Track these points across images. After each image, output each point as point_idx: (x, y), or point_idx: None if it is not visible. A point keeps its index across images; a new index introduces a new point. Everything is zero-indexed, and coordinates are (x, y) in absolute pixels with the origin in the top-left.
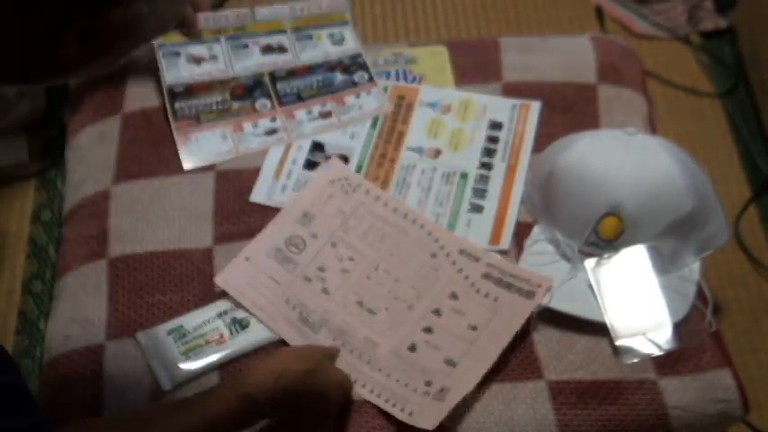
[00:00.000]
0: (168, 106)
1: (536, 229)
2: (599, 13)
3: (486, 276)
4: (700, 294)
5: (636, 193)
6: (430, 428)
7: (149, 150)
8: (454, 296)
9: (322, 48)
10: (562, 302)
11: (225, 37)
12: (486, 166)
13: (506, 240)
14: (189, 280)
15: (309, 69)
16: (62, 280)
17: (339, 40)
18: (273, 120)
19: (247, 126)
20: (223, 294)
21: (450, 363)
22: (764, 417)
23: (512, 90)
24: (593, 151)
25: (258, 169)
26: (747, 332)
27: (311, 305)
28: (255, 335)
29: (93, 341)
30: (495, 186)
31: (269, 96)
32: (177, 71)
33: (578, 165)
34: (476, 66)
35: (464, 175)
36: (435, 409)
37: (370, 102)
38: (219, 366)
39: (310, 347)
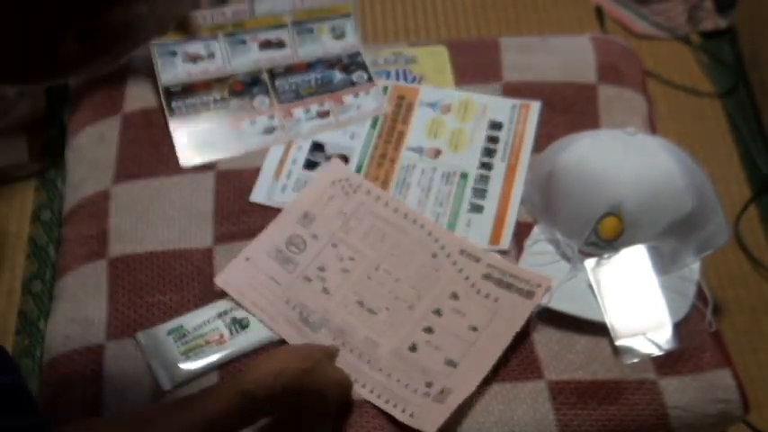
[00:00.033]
0: (165, 105)
1: (536, 229)
2: (599, 13)
3: (487, 277)
4: (700, 294)
5: (636, 193)
6: (431, 431)
7: (149, 150)
8: (455, 296)
9: (322, 42)
10: (562, 302)
11: (223, 34)
12: (486, 166)
13: (506, 240)
14: (189, 280)
15: (308, 66)
16: (62, 280)
17: (340, 35)
18: (271, 117)
19: (245, 124)
20: (223, 294)
21: (451, 363)
22: (764, 417)
23: (512, 90)
24: (593, 151)
25: (258, 169)
26: (747, 332)
27: (311, 305)
28: (255, 335)
29: (93, 341)
30: (495, 186)
31: (267, 93)
32: (174, 70)
33: (578, 165)
34: (476, 66)
35: (464, 175)
36: (436, 411)
37: (368, 102)
38: (219, 366)
39: (309, 346)
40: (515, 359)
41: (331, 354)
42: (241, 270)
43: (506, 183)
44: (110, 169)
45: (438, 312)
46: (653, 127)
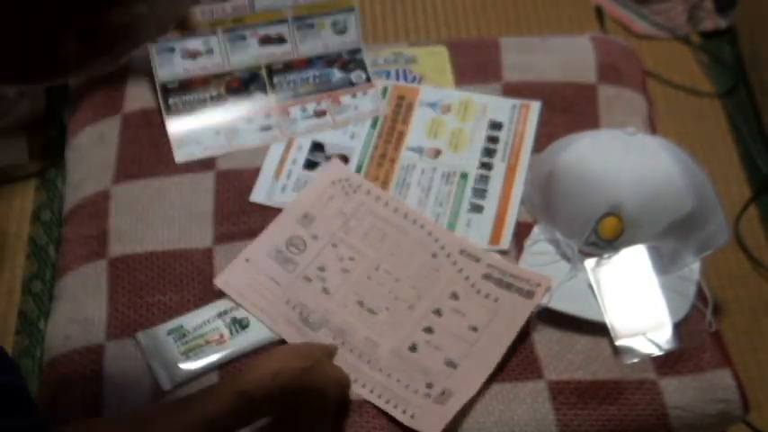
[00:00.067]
0: (161, 102)
1: (536, 229)
2: (599, 13)
3: (487, 277)
4: (700, 294)
5: (636, 193)
6: None
7: (149, 150)
8: (455, 296)
9: (323, 38)
10: (562, 302)
11: (222, 29)
12: (486, 166)
13: (506, 240)
14: (189, 280)
15: (307, 62)
16: (62, 280)
17: (341, 30)
18: (268, 116)
19: (241, 122)
20: (223, 294)
21: (451, 364)
22: (764, 417)
23: (512, 90)
24: (593, 151)
25: (258, 169)
26: (747, 332)
27: (311, 305)
28: (255, 335)
29: (93, 341)
30: (495, 186)
31: (264, 91)
32: (171, 67)
33: (578, 165)
34: (476, 66)
35: (464, 175)
36: (437, 413)
37: (365, 103)
38: (219, 366)
39: (309, 345)
40: (515, 359)
41: (330, 352)
42: (241, 271)
43: (506, 183)
44: (110, 169)
45: (438, 312)
46: (653, 127)
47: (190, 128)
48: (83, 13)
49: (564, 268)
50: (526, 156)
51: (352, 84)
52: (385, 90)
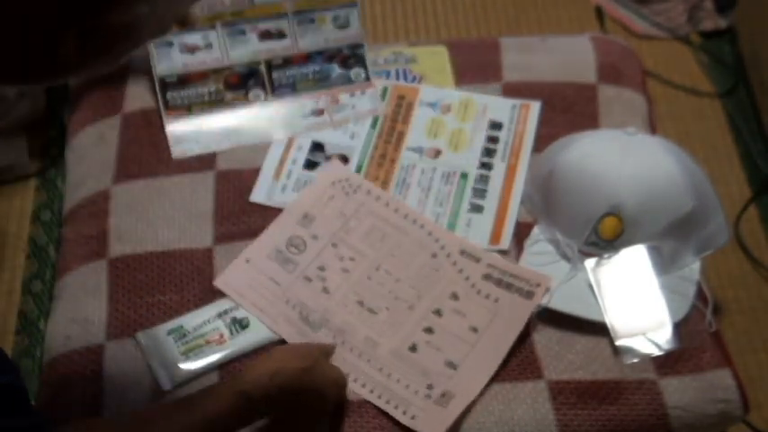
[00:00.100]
0: (160, 96)
1: (536, 229)
2: (599, 13)
3: (487, 277)
4: (700, 294)
5: (636, 193)
6: None
7: (149, 150)
8: (455, 296)
9: (323, 33)
10: (562, 302)
11: (221, 24)
12: (486, 166)
13: (506, 240)
14: (189, 280)
15: (307, 57)
16: (62, 280)
17: (343, 25)
18: (266, 113)
19: (238, 118)
20: (223, 294)
21: (451, 365)
22: (764, 417)
23: (512, 90)
24: (593, 151)
25: (258, 169)
26: (747, 332)
27: (311, 304)
28: (255, 335)
29: (93, 341)
30: (495, 186)
31: (263, 86)
32: (170, 61)
33: (578, 165)
34: (476, 66)
35: (464, 175)
36: (439, 415)
37: (363, 103)
38: (219, 366)
39: (307, 345)
40: (515, 359)
41: (327, 352)
42: (241, 271)
43: (506, 183)
44: (110, 169)
45: (438, 313)
46: (653, 127)
47: (187, 124)
48: (83, 12)
49: (564, 268)
50: (526, 156)
51: (350, 81)
52: (385, 90)
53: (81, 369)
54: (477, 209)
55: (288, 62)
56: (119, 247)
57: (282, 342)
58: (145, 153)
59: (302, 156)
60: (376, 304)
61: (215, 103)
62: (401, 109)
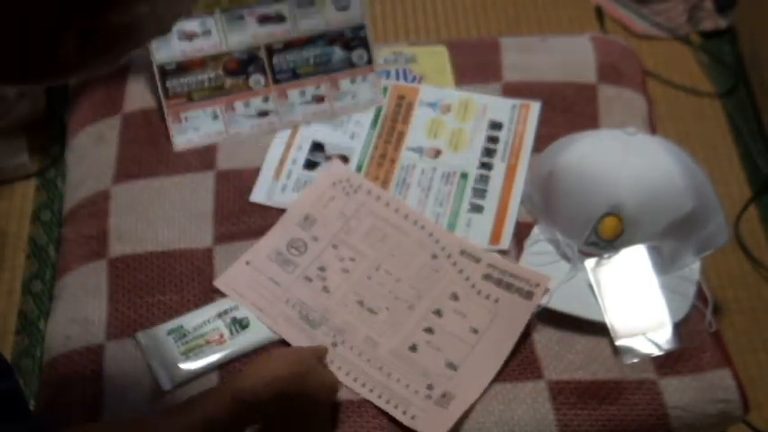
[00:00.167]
0: (159, 84)
1: (536, 229)
2: (599, 13)
3: (487, 277)
4: (700, 294)
5: (636, 193)
6: None
7: (149, 150)
8: (455, 297)
9: (324, 15)
10: (562, 302)
11: (219, 9)
12: (486, 166)
13: (506, 240)
14: (189, 280)
15: (308, 40)
16: (62, 280)
17: (344, 7)
18: (266, 100)
19: (239, 105)
20: (223, 294)
21: (451, 366)
22: (764, 417)
23: (512, 90)
24: (593, 151)
25: (258, 169)
26: (747, 332)
27: (311, 304)
28: (255, 335)
29: (93, 341)
30: (495, 186)
31: (263, 72)
32: (168, 48)
33: (578, 165)
34: (476, 66)
35: (464, 175)
36: (440, 416)
37: (364, 90)
38: (219, 366)
39: (300, 350)
40: (515, 359)
41: (321, 355)
42: (241, 273)
43: (506, 183)
44: (110, 169)
45: (438, 313)
46: (653, 127)
47: (188, 112)
48: (83, 13)
49: (564, 268)
50: (526, 156)
51: (352, 65)
52: (385, 90)
53: (81, 369)
54: (477, 209)
55: (288, 46)
56: (119, 247)
57: (282, 342)
58: (145, 153)
59: (302, 156)
60: (376, 304)
61: (215, 90)
62: (401, 109)
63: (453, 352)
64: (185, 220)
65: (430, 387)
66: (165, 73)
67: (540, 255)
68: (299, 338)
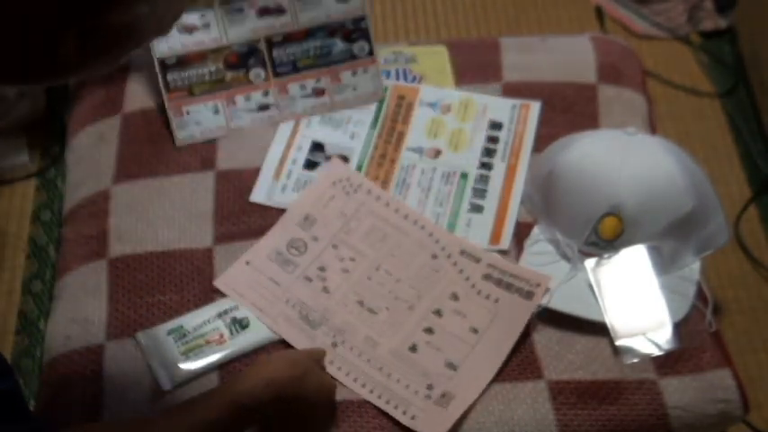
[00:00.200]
0: (160, 78)
1: (536, 229)
2: (599, 13)
3: (487, 277)
4: (700, 294)
5: (636, 193)
6: None
7: (149, 150)
8: (455, 297)
9: (324, 7)
10: (562, 302)
11: (218, 2)
12: (486, 166)
13: (506, 240)
14: (189, 280)
15: (308, 33)
16: (62, 280)
17: None
18: (266, 94)
19: (240, 99)
20: (223, 294)
21: (451, 366)
22: (764, 417)
23: (512, 90)
24: (593, 151)
25: (258, 169)
26: (747, 332)
27: (311, 304)
28: (255, 335)
29: (93, 341)
30: (495, 186)
31: (263, 65)
32: (168, 42)
33: (578, 165)
34: (476, 66)
35: (464, 175)
36: (440, 416)
37: (365, 83)
38: (219, 366)
39: (298, 353)
40: (515, 359)
41: (318, 358)
42: (241, 273)
43: (506, 183)
44: (110, 169)
45: (438, 313)
46: (653, 127)
47: (189, 106)
48: (83, 13)
49: (564, 268)
50: (526, 156)
51: (353, 57)
52: (385, 90)
53: (81, 369)
54: (477, 209)
55: (288, 39)
56: (119, 247)
57: (282, 342)
58: (145, 153)
59: (302, 156)
60: (376, 304)
61: (216, 84)
62: (401, 109)
63: (453, 352)
64: (185, 220)
65: (430, 387)
66: (166, 66)
67: (540, 255)
68: (298, 338)
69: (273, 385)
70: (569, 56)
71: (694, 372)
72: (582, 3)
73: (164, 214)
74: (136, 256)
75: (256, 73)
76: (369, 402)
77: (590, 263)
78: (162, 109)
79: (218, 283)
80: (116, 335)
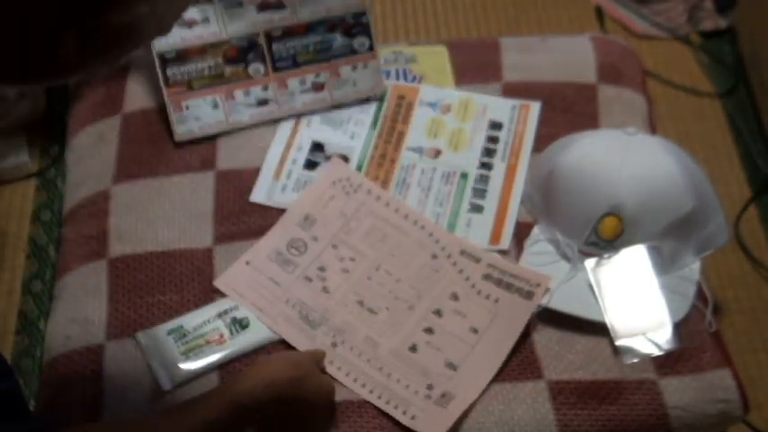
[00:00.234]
0: (159, 72)
1: (536, 229)
2: (599, 13)
3: (487, 277)
4: (700, 294)
5: (636, 193)
6: None
7: (149, 150)
8: (455, 297)
9: (324, 1)
10: (562, 302)
11: None
12: (486, 166)
13: (506, 240)
14: (189, 280)
15: (308, 27)
16: (62, 280)
17: None
18: (265, 89)
19: (239, 94)
20: (223, 294)
21: (451, 366)
22: (764, 417)
23: (512, 90)
24: (593, 151)
25: (258, 169)
26: (747, 332)
27: (311, 304)
28: (255, 335)
29: (93, 341)
30: (495, 186)
31: (263, 60)
32: (168, 36)
33: (578, 165)
34: (476, 66)
35: (464, 175)
36: (440, 416)
37: (365, 78)
38: (219, 366)
39: (298, 354)
40: (515, 359)
41: (318, 359)
42: (241, 273)
43: (506, 183)
44: (110, 169)
45: (438, 313)
46: (653, 127)
47: (188, 101)
48: (83, 12)
49: (564, 268)
50: (526, 156)
51: (353, 51)
52: (385, 90)
53: (81, 369)
54: (477, 209)
55: (288, 33)
56: (119, 247)
57: (282, 342)
58: (145, 153)
59: (302, 156)
60: (376, 304)
61: (215, 79)
62: (401, 109)
63: (453, 352)
64: (185, 220)
65: (430, 387)
66: (165, 61)
67: (540, 255)
68: (298, 338)
69: (273, 386)
70: (569, 56)
71: (694, 372)
72: (582, 3)
73: (164, 214)
74: (136, 256)
75: (256, 68)
76: (369, 402)
77: (590, 263)
78: (162, 109)
79: (218, 283)
80: (116, 335)
